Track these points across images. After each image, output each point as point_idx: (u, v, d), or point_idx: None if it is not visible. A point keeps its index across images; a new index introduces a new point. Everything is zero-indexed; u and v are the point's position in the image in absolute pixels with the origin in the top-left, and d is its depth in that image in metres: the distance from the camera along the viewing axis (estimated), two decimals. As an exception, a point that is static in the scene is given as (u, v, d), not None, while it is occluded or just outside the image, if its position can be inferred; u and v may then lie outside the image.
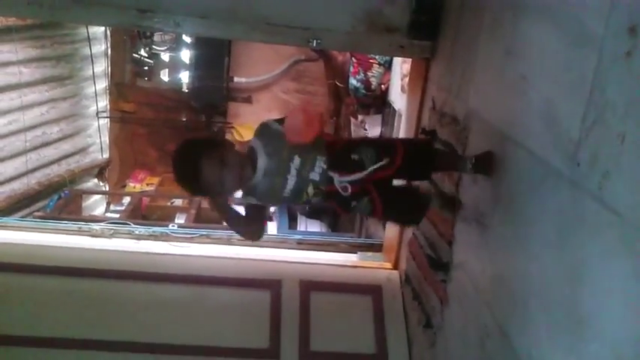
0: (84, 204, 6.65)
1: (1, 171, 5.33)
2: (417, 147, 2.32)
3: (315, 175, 2.05)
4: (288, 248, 3.84)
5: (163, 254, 3.52)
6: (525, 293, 1.92)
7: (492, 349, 2.15)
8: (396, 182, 2.29)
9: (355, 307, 3.33)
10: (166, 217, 6.11)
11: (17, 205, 5.49)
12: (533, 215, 1.90)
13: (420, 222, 2.36)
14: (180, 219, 5.89)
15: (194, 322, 3.17)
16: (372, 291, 3.39)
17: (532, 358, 1.84)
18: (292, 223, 5.58)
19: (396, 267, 3.58)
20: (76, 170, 6.55)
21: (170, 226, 3.88)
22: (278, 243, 3.89)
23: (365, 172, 2.05)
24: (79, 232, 3.74)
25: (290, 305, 3.27)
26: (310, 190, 2.06)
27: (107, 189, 7.22)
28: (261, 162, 2.03)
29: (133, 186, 7.11)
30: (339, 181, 2.05)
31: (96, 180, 7.18)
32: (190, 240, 3.76)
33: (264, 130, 2.11)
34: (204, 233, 3.84)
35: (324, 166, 2.05)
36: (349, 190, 2.04)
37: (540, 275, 1.83)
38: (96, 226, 3.77)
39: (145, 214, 6.34)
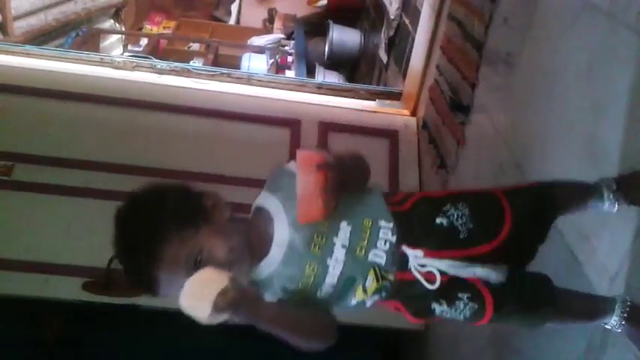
0: (101, 45, 6.62)
1: (17, 5, 5.26)
2: (528, 197, 1.36)
3: (378, 255, 1.19)
4: (308, 92, 3.86)
5: (185, 88, 3.56)
6: (546, 129, 1.98)
7: (506, 184, 2.24)
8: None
9: (371, 149, 3.40)
10: (183, 61, 6.07)
11: (35, 42, 5.47)
12: (565, 50, 1.90)
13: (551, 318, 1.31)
14: (197, 63, 5.87)
15: (213, 153, 3.28)
16: (389, 135, 3.47)
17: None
18: (310, 72, 5.55)
19: (414, 114, 3.63)
20: (92, 9, 6.45)
21: (191, 63, 3.89)
22: (298, 86, 3.91)
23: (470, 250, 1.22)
24: (101, 63, 3.76)
25: (308, 144, 3.35)
26: (370, 281, 1.18)
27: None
28: (281, 235, 1.18)
29: (150, 29, 7.02)
30: (420, 264, 1.20)
31: (112, 21, 7.09)
32: (211, 77, 3.78)
33: (286, 181, 1.20)
34: (225, 72, 3.86)
35: (393, 239, 1.20)
36: (438, 280, 1.20)
37: (564, 110, 1.87)
38: (118, 58, 3.79)
39: (162, 57, 6.30)
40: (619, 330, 1.32)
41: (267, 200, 1.21)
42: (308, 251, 1.16)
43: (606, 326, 1.33)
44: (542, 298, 1.28)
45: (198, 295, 1.06)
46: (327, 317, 1.22)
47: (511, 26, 2.35)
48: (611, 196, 1.33)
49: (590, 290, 1.56)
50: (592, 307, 1.35)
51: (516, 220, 1.27)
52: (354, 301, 1.21)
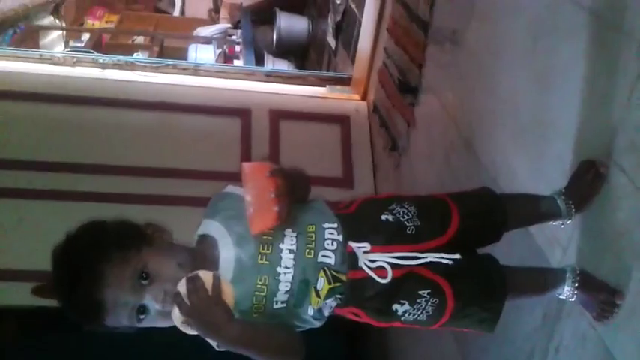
0: (41, 42, 6.41)
1: (-53, 2, 5.06)
2: (475, 200, 1.38)
3: (327, 255, 1.17)
4: (257, 81, 3.81)
5: (130, 81, 3.47)
6: (493, 104, 1.99)
7: (457, 162, 2.25)
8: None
9: (323, 136, 3.41)
10: (128, 55, 5.93)
11: (-30, 41, 5.28)
12: (508, 25, 1.91)
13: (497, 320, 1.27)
14: (142, 56, 5.73)
15: (162, 147, 3.21)
16: (341, 120, 3.46)
17: (496, 164, 1.94)
18: (258, 61, 5.48)
19: (364, 98, 3.62)
20: (29, 5, 6.24)
21: (135, 55, 3.79)
22: (246, 75, 3.85)
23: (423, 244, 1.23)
24: (40, 59, 3.62)
25: (260, 132, 3.32)
26: (322, 284, 1.15)
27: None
28: (227, 254, 1.15)
29: (92, 23, 6.82)
30: (370, 259, 1.19)
31: (52, 17, 6.87)
32: (156, 70, 3.69)
33: (224, 204, 1.22)
34: (171, 63, 3.77)
35: (340, 237, 1.19)
36: (389, 274, 1.19)
37: (510, 84, 1.88)
38: (58, 54, 3.66)
39: (106, 52, 6.14)
40: (573, 299, 1.33)
41: (208, 226, 1.19)
42: (256, 264, 1.14)
43: (560, 297, 1.35)
44: (493, 278, 1.28)
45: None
46: (292, 331, 1.18)
47: (456, 4, 2.36)
48: (566, 207, 1.37)
49: (545, 261, 1.58)
50: (542, 280, 1.37)
51: (464, 218, 1.28)
52: (310, 310, 1.17)
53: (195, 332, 1.07)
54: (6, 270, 2.80)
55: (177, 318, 1.06)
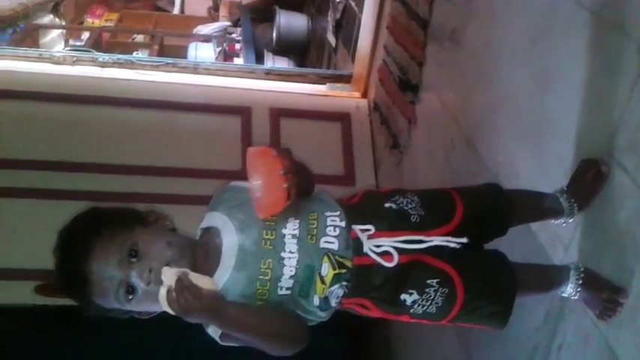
0: (40, 41, 6.41)
1: (-53, 0, 5.05)
2: (479, 192, 1.40)
3: (330, 241, 1.16)
4: (257, 79, 3.80)
5: (130, 80, 3.46)
6: (494, 102, 1.99)
7: (458, 160, 2.25)
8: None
9: (324, 133, 3.41)
10: (128, 53, 5.92)
11: (-31, 41, 5.27)
12: (507, 24, 1.91)
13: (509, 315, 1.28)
14: (141, 55, 5.72)
15: (162, 145, 3.20)
16: (341, 118, 3.45)
17: (497, 162, 1.94)
18: (258, 59, 5.47)
19: (364, 96, 3.62)
20: (29, 4, 6.23)
21: (135, 54, 3.78)
22: (246, 73, 3.84)
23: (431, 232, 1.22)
24: (40, 59, 3.61)
25: (260, 131, 3.31)
26: (326, 269, 1.14)
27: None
28: (230, 241, 1.14)
29: (92, 22, 6.81)
30: (375, 245, 1.18)
31: (51, 16, 6.87)
32: (156, 68, 3.68)
33: (226, 196, 1.24)
34: (170, 62, 3.76)
35: (343, 224, 1.19)
36: (395, 258, 1.17)
37: (510, 83, 1.88)
38: (57, 53, 3.66)
39: (106, 50, 6.13)
40: (576, 297, 1.33)
41: (211, 218, 1.21)
42: (260, 249, 1.13)
43: (563, 295, 1.35)
44: (502, 271, 1.27)
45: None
46: (295, 317, 1.16)
47: (454, 2, 2.35)
48: (568, 206, 1.36)
49: (547, 259, 1.58)
50: (547, 278, 1.37)
51: (468, 207, 1.27)
52: (316, 300, 1.15)
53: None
54: (8, 269, 2.81)
55: (163, 299, 1.06)
